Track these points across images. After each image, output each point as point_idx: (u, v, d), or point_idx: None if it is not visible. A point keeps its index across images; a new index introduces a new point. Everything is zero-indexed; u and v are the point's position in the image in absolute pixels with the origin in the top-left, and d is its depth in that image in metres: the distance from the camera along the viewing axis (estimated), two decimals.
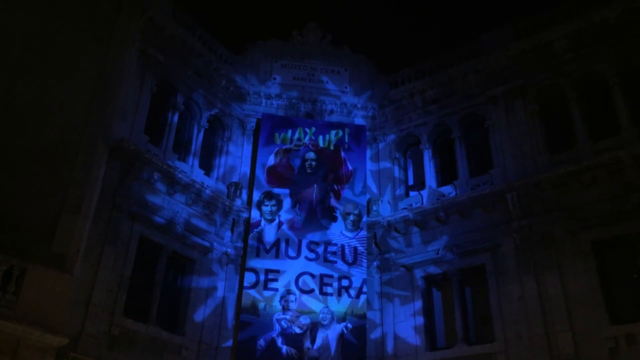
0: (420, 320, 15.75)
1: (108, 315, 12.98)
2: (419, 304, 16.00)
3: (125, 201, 14.22)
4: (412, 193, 18.15)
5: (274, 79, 20.08)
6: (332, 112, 19.69)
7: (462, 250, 15.71)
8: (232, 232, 16.85)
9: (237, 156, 18.31)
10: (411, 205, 17.43)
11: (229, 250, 16.52)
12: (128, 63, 15.61)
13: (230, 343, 15.42)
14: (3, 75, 15.65)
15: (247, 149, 18.55)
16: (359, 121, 19.55)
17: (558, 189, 14.66)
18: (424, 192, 17.44)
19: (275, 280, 16.13)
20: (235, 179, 17.75)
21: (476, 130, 17.62)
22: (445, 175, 17.79)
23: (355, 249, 16.92)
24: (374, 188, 18.42)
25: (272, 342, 15.28)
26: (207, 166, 17.46)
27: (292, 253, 16.58)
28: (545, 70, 16.47)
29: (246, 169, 18.21)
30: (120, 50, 15.61)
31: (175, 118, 16.78)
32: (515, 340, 13.95)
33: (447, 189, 17.14)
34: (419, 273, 16.37)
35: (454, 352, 14.80)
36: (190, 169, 16.48)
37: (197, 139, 17.34)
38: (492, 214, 15.70)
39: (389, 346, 15.83)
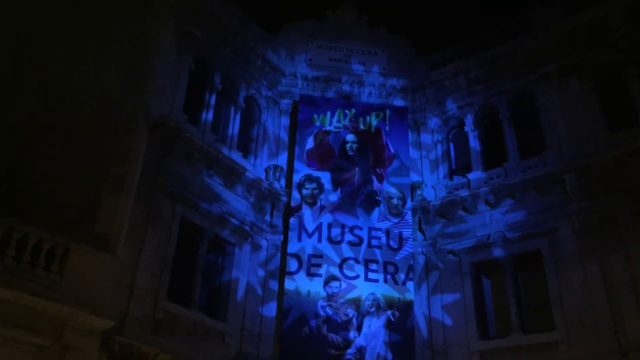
0: (470, 308, 15.00)
1: (152, 299, 12.38)
2: (468, 291, 15.26)
3: (166, 181, 13.61)
4: (456, 177, 17.39)
5: (310, 60, 19.39)
6: (370, 94, 18.98)
7: (516, 234, 14.93)
8: (272, 216, 16.19)
9: (274, 139, 17.65)
10: (457, 189, 16.69)
11: (268, 235, 15.86)
12: (165, 39, 15.02)
13: (273, 330, 14.78)
14: (37, 53, 15.18)
15: (284, 131, 17.89)
16: (399, 103, 18.81)
17: (621, 169, 13.82)
18: (471, 176, 16.67)
19: (319, 265, 15.45)
20: (272, 161, 17.10)
21: (526, 111, 16.80)
22: (493, 157, 16.96)
23: (400, 234, 16.20)
24: (416, 172, 17.69)
25: (317, 329, 14.61)
26: (244, 148, 16.80)
27: (335, 238, 15.89)
28: (600, 46, 15.60)
29: (284, 151, 17.55)
30: (156, 25, 15.03)
31: (213, 98, 16.16)
32: (578, 328, 13.16)
33: (496, 172, 16.34)
34: (467, 259, 15.61)
35: (509, 341, 14.04)
36: (229, 151, 15.83)
37: (235, 120, 16.69)
38: (548, 197, 14.90)
39: (438, 335, 15.11)
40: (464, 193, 16.20)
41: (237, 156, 15.93)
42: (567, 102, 15.77)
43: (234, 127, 16.59)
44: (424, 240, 16.48)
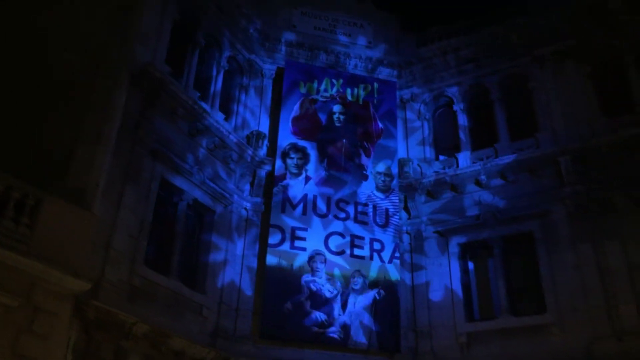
0: (457, 289, 14.55)
1: (129, 263, 11.16)
2: (455, 272, 14.80)
3: (148, 136, 12.34)
4: (442, 156, 16.90)
5: (294, 26, 18.36)
6: (355, 66, 18.18)
7: (507, 216, 14.56)
8: (252, 185, 15.16)
9: (256, 105, 16.55)
10: (444, 168, 16.20)
11: (248, 205, 14.84)
12: None
13: (251, 305, 13.80)
14: None
15: (267, 97, 16.82)
16: (385, 78, 18.10)
17: (618, 154, 13.60)
18: (460, 155, 16.20)
19: (303, 239, 14.54)
20: (254, 127, 16.03)
21: (518, 92, 16.46)
22: (482, 138, 16.54)
23: (386, 211, 15.54)
24: (402, 149, 17.06)
25: (300, 305, 13.74)
26: (225, 111, 15.64)
27: (321, 211, 15.03)
28: (598, 31, 15.41)
29: (266, 118, 16.49)
30: None
31: (196, 53, 14.91)
32: (570, 312, 12.90)
33: (485, 152, 15.94)
34: (455, 240, 15.13)
35: (498, 323, 13.67)
36: (211, 111, 14.64)
37: (217, 80, 15.50)
38: (541, 179, 14.62)
39: (423, 316, 14.57)
40: (452, 172, 15.71)
41: (220, 118, 14.78)
42: (562, 85, 15.55)
43: (216, 87, 15.40)
44: (409, 219, 15.91)
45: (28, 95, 11.65)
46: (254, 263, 14.36)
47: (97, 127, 11.24)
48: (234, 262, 14.00)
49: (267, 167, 15.39)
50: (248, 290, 13.95)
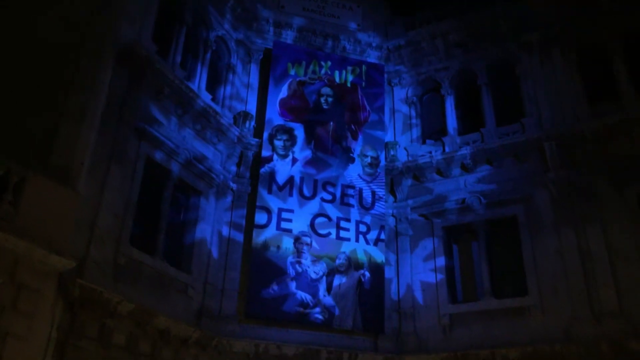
0: (441, 272, 14.71)
1: (114, 242, 11.11)
2: (439, 255, 14.95)
3: (133, 115, 12.24)
4: (428, 140, 16.95)
5: (282, 7, 18.21)
6: (344, 49, 18.12)
7: (491, 200, 14.69)
8: (239, 166, 15.13)
9: (244, 84, 16.47)
10: (430, 152, 16.26)
11: (235, 185, 14.83)
12: None
13: (237, 285, 13.86)
14: None
15: (254, 78, 16.73)
16: (374, 61, 18.07)
17: (603, 140, 13.77)
18: (446, 139, 16.27)
19: (289, 220, 14.59)
20: (241, 108, 15.93)
21: (505, 78, 16.52)
22: (469, 123, 16.66)
23: (373, 193, 15.61)
24: (389, 132, 17.11)
25: (286, 286, 13.83)
26: (212, 91, 15.55)
27: (307, 193, 15.06)
28: (585, 19, 15.46)
29: (253, 99, 16.42)
30: None
31: (183, 32, 14.73)
32: (551, 294, 13.13)
33: (471, 137, 16.01)
34: (439, 223, 15.26)
35: (480, 305, 13.87)
36: (198, 91, 14.54)
37: (204, 60, 15.36)
38: (525, 164, 14.76)
39: (406, 298, 14.73)
40: (438, 156, 15.78)
41: (207, 98, 14.68)
42: (548, 72, 15.60)
43: (203, 67, 15.26)
44: (395, 202, 16.01)
45: (12, 73, 11.45)
46: (241, 243, 14.38)
47: (81, 105, 11.11)
48: (219, 242, 14.02)
49: (254, 148, 15.35)
50: (233, 270, 13.98)
